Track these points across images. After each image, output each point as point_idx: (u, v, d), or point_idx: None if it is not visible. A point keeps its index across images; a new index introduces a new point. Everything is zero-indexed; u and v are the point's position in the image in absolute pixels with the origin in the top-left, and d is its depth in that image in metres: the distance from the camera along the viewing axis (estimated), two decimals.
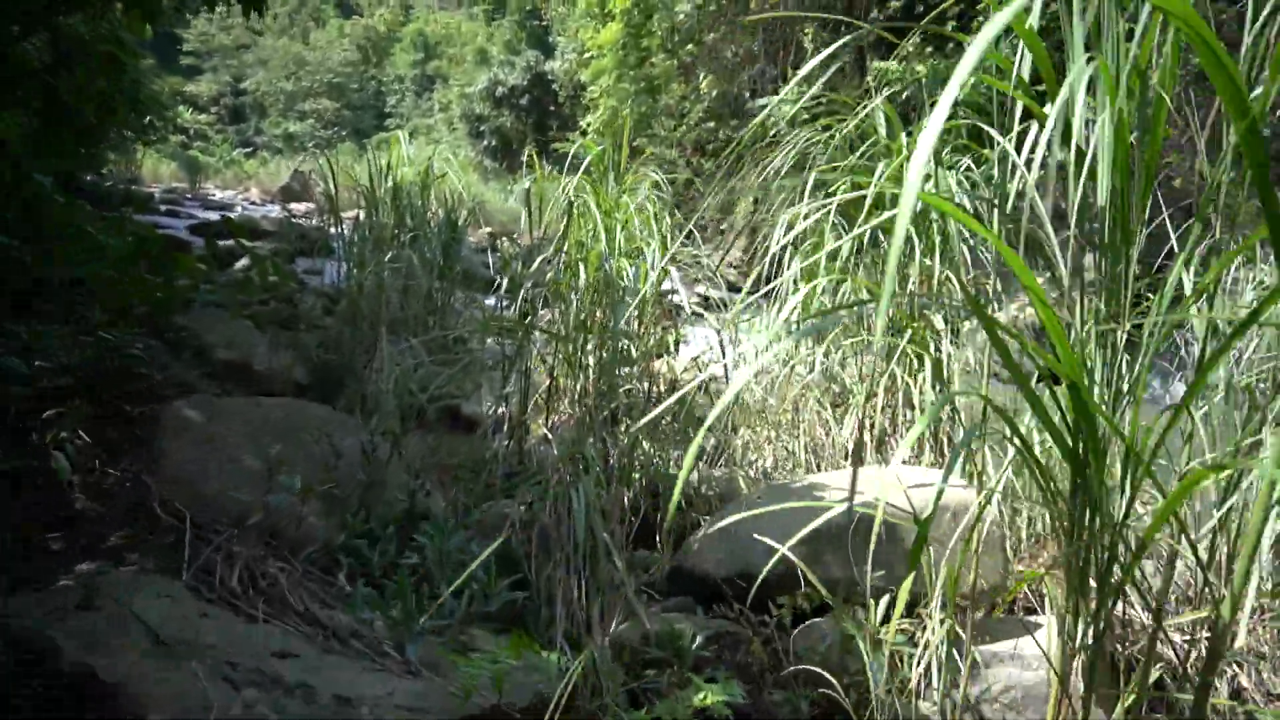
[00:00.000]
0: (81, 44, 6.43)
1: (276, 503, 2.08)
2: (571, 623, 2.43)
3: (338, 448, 2.41)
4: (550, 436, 3.22)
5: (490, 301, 6.49)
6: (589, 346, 2.98)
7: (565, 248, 2.84)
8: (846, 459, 3.40)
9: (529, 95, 25.81)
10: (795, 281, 3.63)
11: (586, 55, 21.01)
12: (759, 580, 2.28)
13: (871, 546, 2.00)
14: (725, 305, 3.52)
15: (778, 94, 15.87)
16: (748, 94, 18.06)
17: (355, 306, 4.00)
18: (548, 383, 3.42)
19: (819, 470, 3.45)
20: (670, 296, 3.24)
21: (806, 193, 3.41)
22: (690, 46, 19.08)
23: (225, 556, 1.83)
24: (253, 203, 24.27)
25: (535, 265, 2.78)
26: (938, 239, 3.16)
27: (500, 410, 3.92)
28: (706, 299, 3.65)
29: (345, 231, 4.72)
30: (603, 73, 19.47)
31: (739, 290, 3.46)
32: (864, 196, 3.39)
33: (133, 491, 2.04)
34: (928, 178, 3.20)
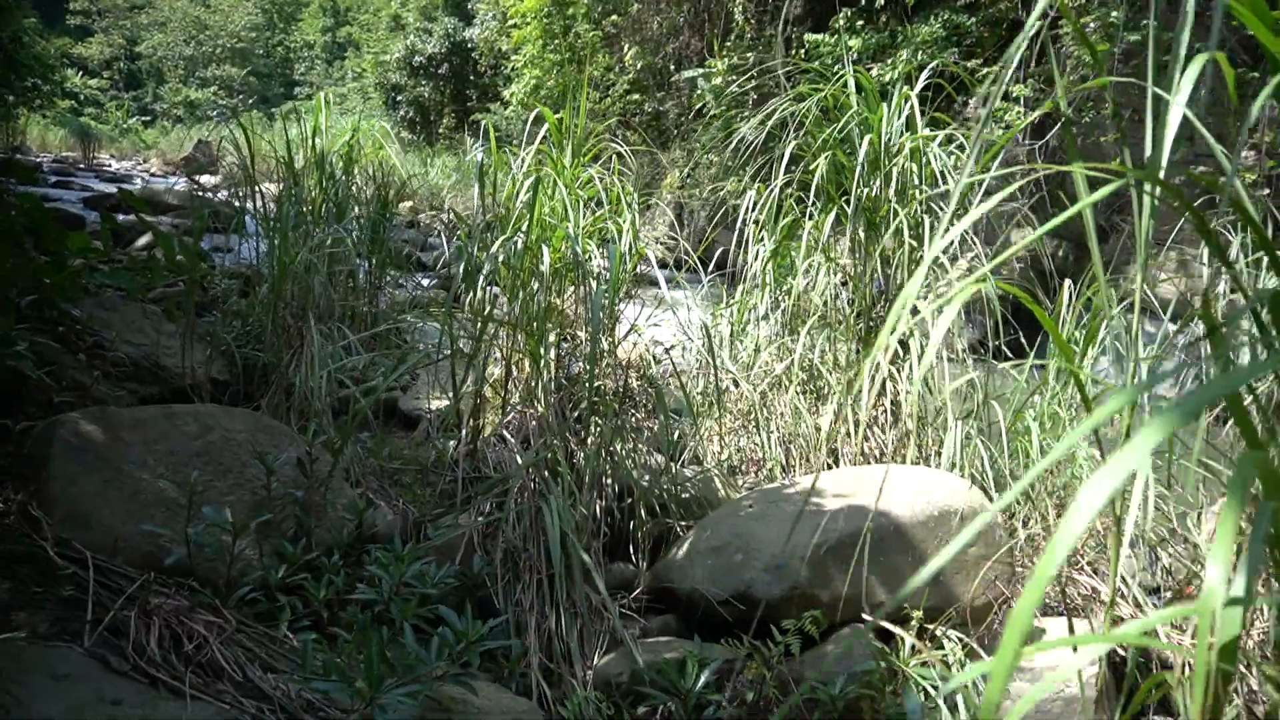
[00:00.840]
0: None
1: (199, 538, 1.73)
2: (548, 655, 2.16)
3: (269, 464, 2.06)
4: (507, 436, 2.91)
5: (424, 281, 6.09)
6: (550, 337, 2.68)
7: (525, 227, 2.52)
8: (819, 451, 3.19)
9: (448, 64, 24.92)
10: (764, 262, 3.39)
11: (509, 24, 20.35)
12: (761, 604, 2.04)
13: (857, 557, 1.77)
14: (656, 284, 3.25)
15: (703, 67, 15.63)
16: (673, 66, 17.75)
17: (278, 291, 3.59)
18: (501, 375, 3.11)
19: (789, 464, 3.23)
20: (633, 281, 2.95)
21: (781, 169, 3.16)
22: (615, 17, 18.64)
23: (140, 612, 1.48)
24: (154, 175, 22.83)
25: (495, 247, 2.46)
26: (924, 216, 2.95)
27: (441, 405, 3.58)
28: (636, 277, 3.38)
29: (262, 207, 4.27)
30: (526, 41, 18.89)
31: (664, 267, 3.21)
32: (841, 171, 3.16)
33: (18, 529, 1.67)
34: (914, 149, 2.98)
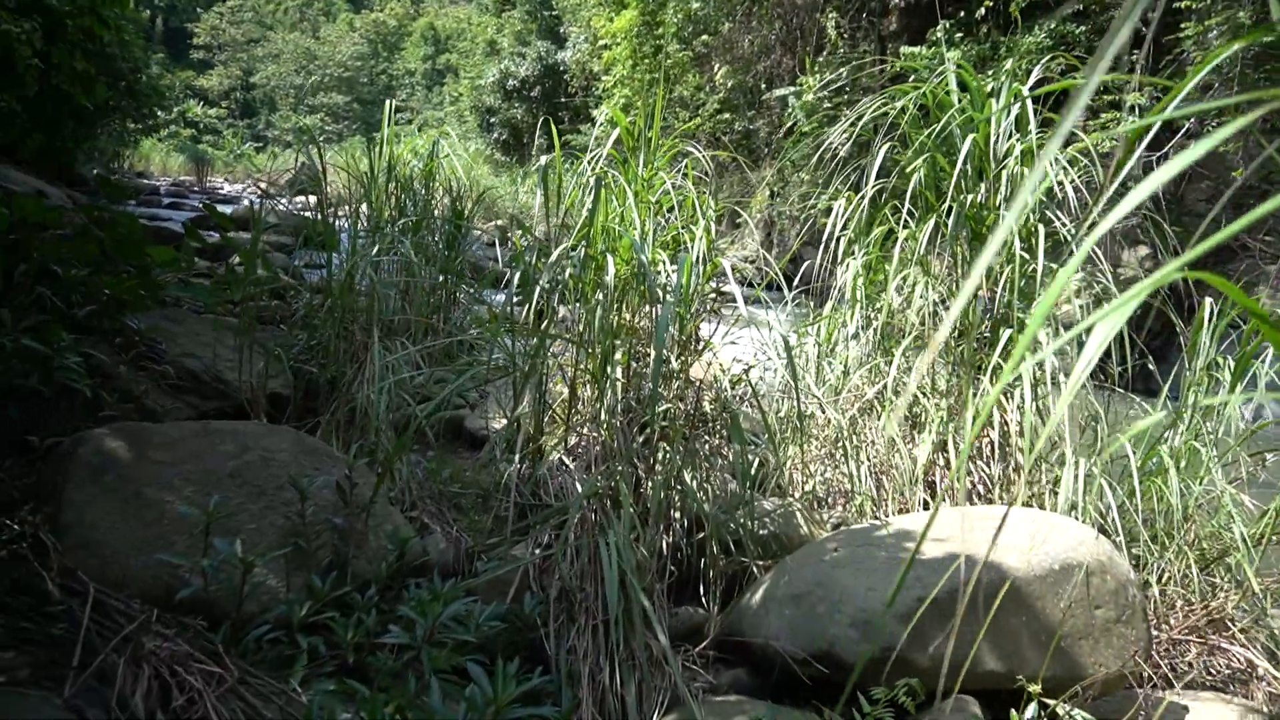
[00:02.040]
0: (59, 19, 5.94)
1: (213, 570, 1.57)
2: (600, 710, 1.92)
3: (303, 488, 1.89)
4: (569, 461, 2.70)
5: (499, 298, 5.99)
6: (617, 355, 2.45)
7: (589, 235, 2.31)
8: (915, 485, 2.87)
9: (540, 87, 25.28)
10: (856, 277, 3.10)
11: (600, 44, 20.50)
12: (850, 668, 1.76)
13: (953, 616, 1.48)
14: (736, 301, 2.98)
15: (795, 85, 15.32)
16: (764, 85, 17.50)
17: (345, 305, 3.49)
18: (566, 395, 2.91)
19: (880, 498, 2.92)
20: (713, 295, 2.71)
21: (874, 174, 2.88)
22: (705, 37, 18.52)
23: (130, 659, 1.32)
24: (261, 196, 23.71)
25: (554, 256, 2.26)
26: (1040, 226, 2.62)
27: (507, 424, 3.40)
28: (719, 294, 3.12)
29: (350, 224, 4.22)
30: (616, 62, 18.96)
31: (749, 284, 2.94)
32: (942, 177, 2.86)
33: (27, 555, 1.54)
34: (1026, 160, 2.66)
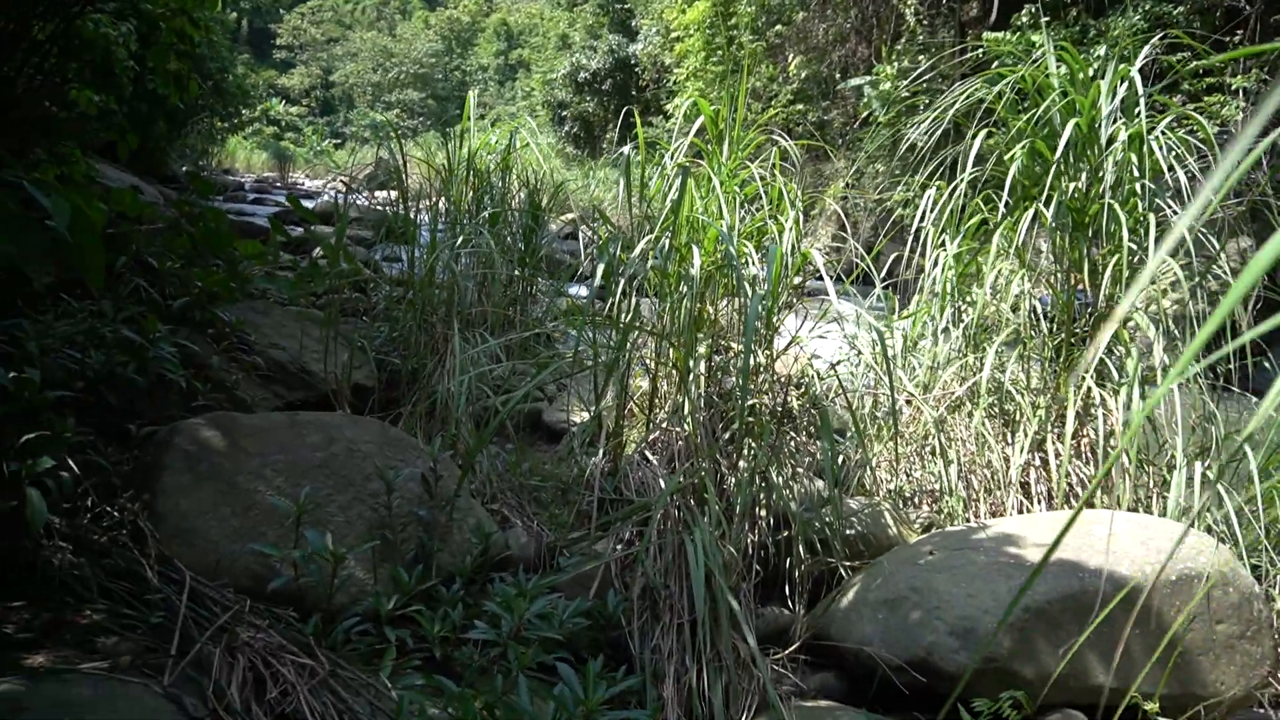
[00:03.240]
0: (154, 22, 6.14)
1: (304, 561, 1.57)
2: (687, 712, 1.87)
3: (389, 480, 1.89)
4: (650, 456, 2.66)
5: (577, 291, 6.00)
6: (701, 349, 2.40)
7: (673, 226, 2.26)
8: (1010, 487, 2.75)
9: (611, 80, 25.29)
10: (946, 270, 2.99)
11: (672, 36, 20.40)
12: (949, 677, 1.68)
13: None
14: (819, 295, 2.88)
15: (870, 74, 14.99)
16: (838, 75, 17.17)
17: (425, 298, 3.51)
18: (648, 389, 2.87)
19: (971, 499, 2.81)
20: (797, 288, 2.63)
21: (969, 162, 2.76)
22: (779, 27, 18.25)
23: (225, 649, 1.33)
24: (340, 191, 24.33)
25: (639, 249, 2.22)
26: (1150, 215, 2.47)
27: (588, 418, 3.38)
28: (801, 287, 3.03)
29: (428, 218, 4.27)
30: (689, 54, 18.84)
31: (826, 279, 2.85)
32: (1042, 164, 2.73)
33: (125, 542, 1.57)
34: (1134, 139, 2.52)
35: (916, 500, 2.98)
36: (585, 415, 3.42)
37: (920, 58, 13.95)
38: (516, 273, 4.40)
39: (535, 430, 3.68)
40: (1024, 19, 11.78)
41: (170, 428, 1.88)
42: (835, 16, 17.76)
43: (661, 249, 2.33)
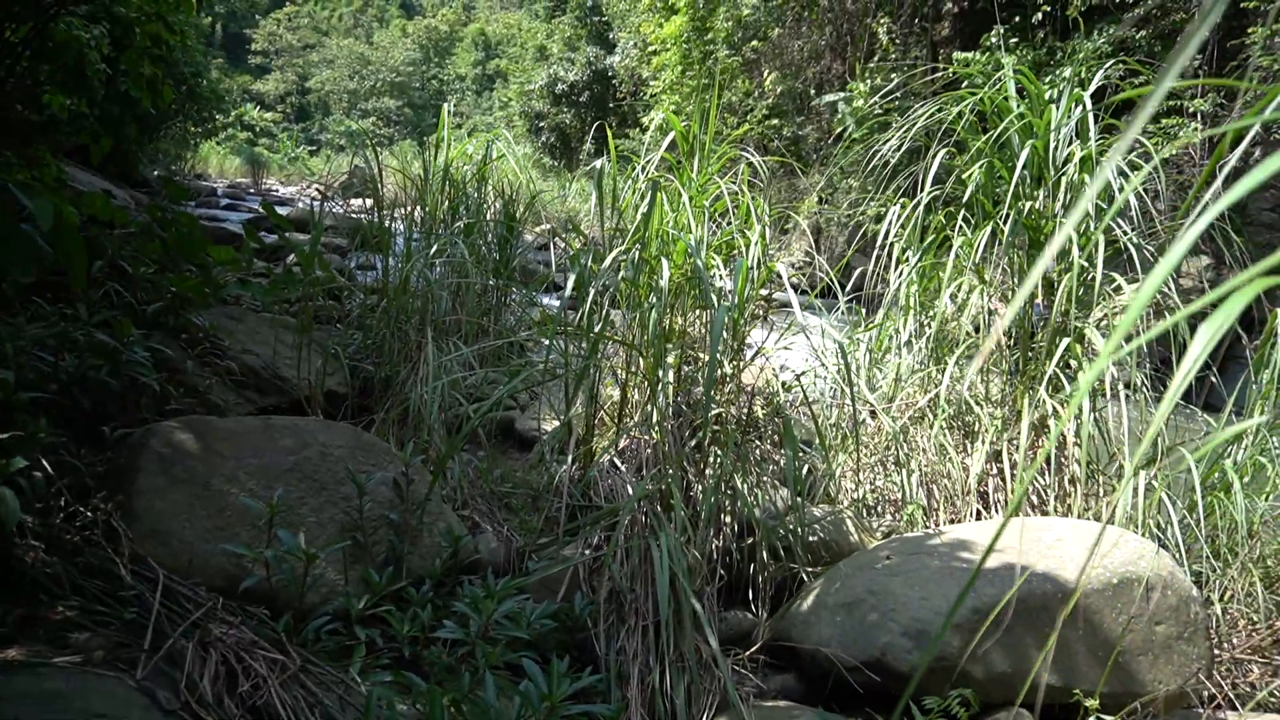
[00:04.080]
0: (128, 26, 6.13)
1: (276, 561, 1.61)
2: (650, 712, 1.93)
3: (361, 484, 1.93)
4: (619, 463, 2.72)
5: (550, 301, 6.05)
6: (669, 359, 2.46)
7: (644, 239, 2.33)
8: (968, 496, 2.83)
9: (589, 92, 25.42)
10: (909, 284, 3.07)
11: (649, 50, 20.56)
12: (901, 676, 1.75)
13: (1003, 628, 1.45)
14: (788, 307, 2.96)
15: (844, 91, 15.21)
16: (813, 91, 17.40)
17: (399, 305, 3.55)
18: (617, 397, 2.93)
19: (931, 508, 2.89)
20: (764, 301, 2.70)
21: (929, 180, 2.85)
22: (755, 43, 18.47)
23: (198, 644, 1.36)
24: (314, 198, 24.19)
25: (609, 260, 2.28)
26: (1099, 235, 2.57)
27: (558, 426, 3.43)
28: (769, 300, 3.11)
29: (400, 225, 4.31)
30: (665, 67, 19.01)
31: (800, 291, 2.92)
32: (999, 183, 2.83)
33: (99, 541, 1.60)
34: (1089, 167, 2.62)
35: (879, 509, 3.06)
36: (557, 424, 3.47)
37: (893, 75, 14.18)
38: (490, 282, 4.45)
39: (507, 438, 3.72)
40: (993, 39, 12.03)
41: (145, 430, 1.90)
42: (810, 34, 18.02)
43: (632, 261, 2.39)
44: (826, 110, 16.35)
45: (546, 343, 4.10)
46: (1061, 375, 2.65)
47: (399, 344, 3.52)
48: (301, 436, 2.09)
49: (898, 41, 15.18)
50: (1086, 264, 2.64)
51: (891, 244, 3.21)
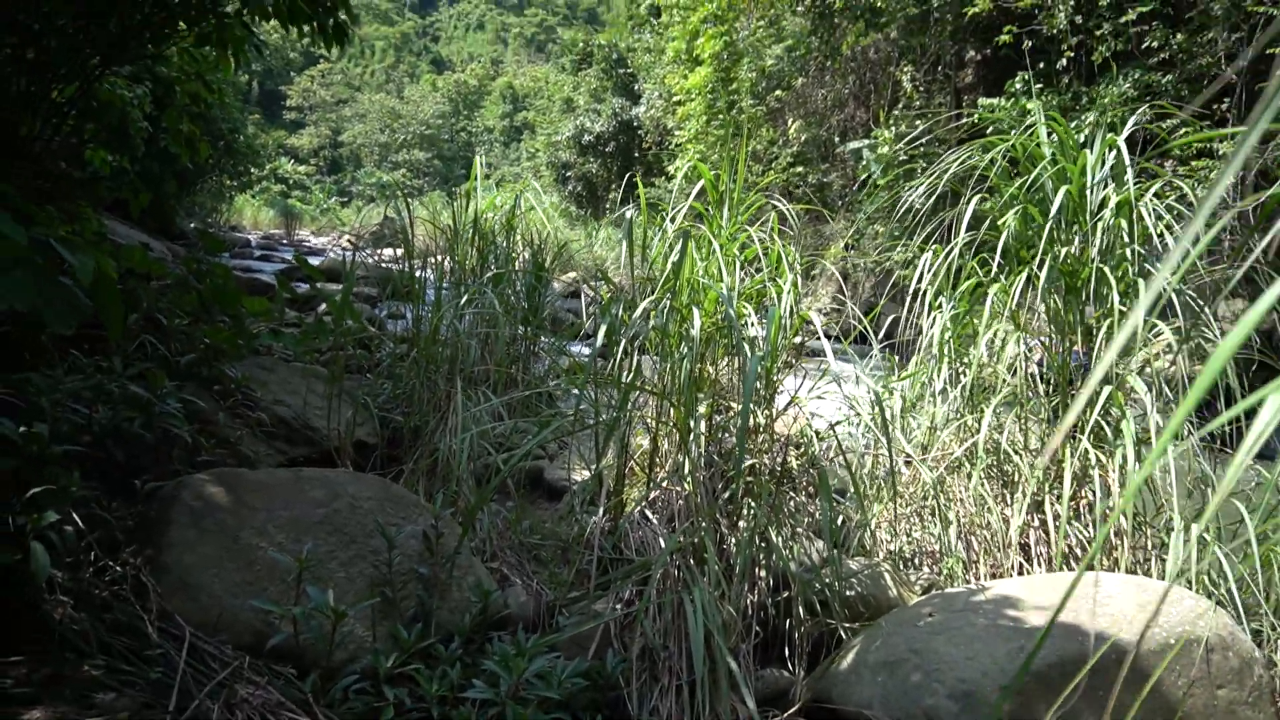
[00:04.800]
0: (169, 85, 6.32)
1: (303, 619, 1.58)
2: None
3: (390, 537, 1.91)
4: (650, 515, 2.68)
5: (580, 349, 6.06)
6: (701, 409, 2.43)
7: (674, 288, 2.31)
8: (1009, 549, 2.75)
9: (615, 142, 25.78)
10: (944, 331, 3.03)
11: (674, 100, 20.87)
12: None
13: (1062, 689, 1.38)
14: (819, 355, 2.93)
15: (869, 138, 15.32)
16: (837, 138, 17.53)
17: (429, 355, 3.56)
18: (648, 446, 2.89)
19: (971, 560, 2.81)
20: (793, 349, 2.67)
21: (963, 226, 2.82)
22: (779, 92, 18.69)
23: (224, 705, 1.33)
24: (345, 249, 24.65)
25: (640, 309, 2.26)
26: (1139, 280, 2.52)
27: (590, 477, 3.39)
28: (799, 348, 3.07)
29: (430, 275, 4.35)
30: (690, 117, 19.26)
31: (833, 339, 2.89)
32: (1033, 229, 2.79)
33: (127, 597, 1.58)
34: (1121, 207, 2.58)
35: (916, 561, 2.98)
36: (586, 474, 3.44)
37: (918, 122, 14.26)
38: (520, 330, 4.46)
39: (536, 488, 3.69)
40: (1017, 85, 12.07)
41: (176, 483, 1.90)
42: (834, 83, 18.20)
43: (663, 309, 2.38)
44: (851, 158, 16.44)
45: (576, 392, 4.09)
46: (1104, 424, 2.58)
47: (428, 394, 3.52)
48: (332, 488, 2.07)
49: (921, 89, 15.28)
50: (1125, 310, 2.59)
51: (923, 290, 3.18)
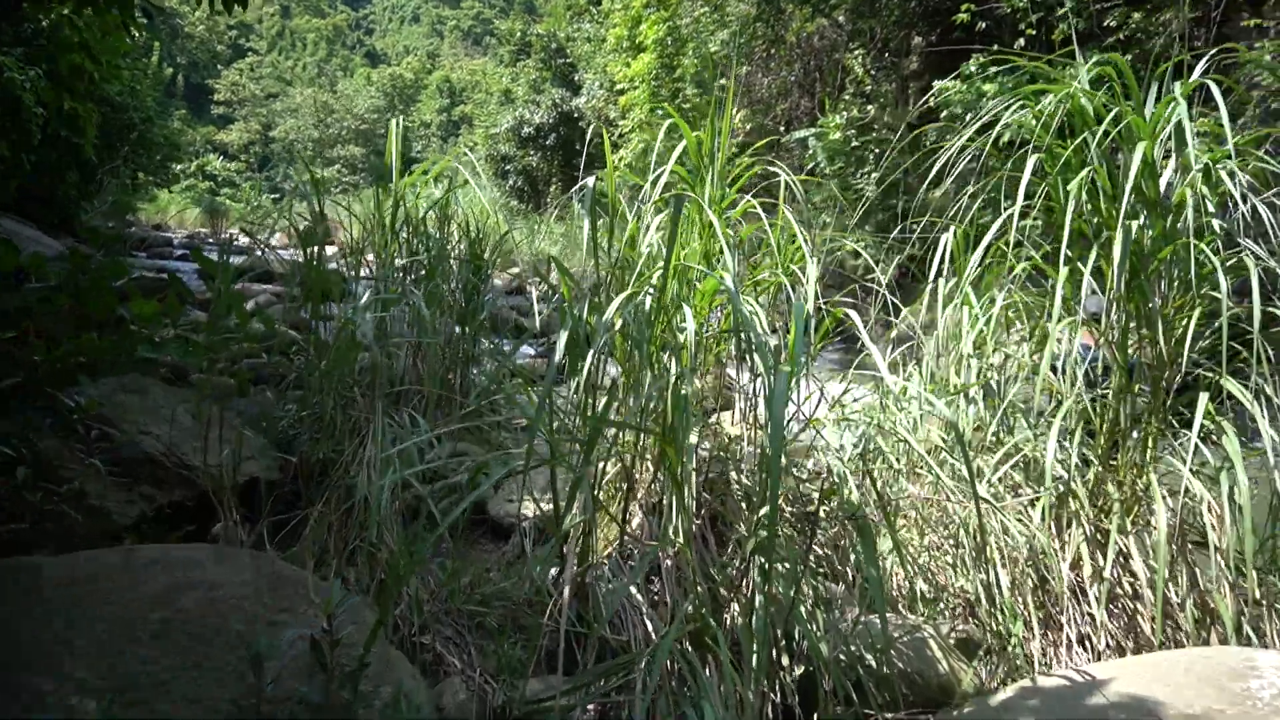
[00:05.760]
0: (45, 57, 5.51)
1: None
2: None
3: (260, 652, 1.28)
4: (624, 564, 2.09)
5: (530, 352, 5.42)
6: (692, 437, 1.84)
7: (659, 277, 1.72)
8: (1070, 597, 2.22)
9: (555, 134, 25.06)
10: (975, 329, 2.49)
11: (616, 89, 20.27)
12: None
13: None
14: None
15: (814, 126, 14.92)
16: (782, 128, 17.13)
17: (343, 365, 2.90)
18: (614, 474, 2.30)
19: (1022, 607, 2.27)
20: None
21: (1019, 196, 2.28)
22: (722, 80, 18.19)
23: None
24: (277, 247, 23.44)
25: (613, 308, 1.66)
26: (1216, 259, 2.01)
27: (542, 508, 2.78)
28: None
29: (353, 271, 3.69)
30: (634, 105, 18.67)
31: (871, 346, 2.32)
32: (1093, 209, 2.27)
33: None
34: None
35: (950, 607, 2.44)
36: (537, 509, 2.81)
37: (869, 108, 13.88)
38: (456, 331, 3.83)
39: (477, 526, 3.06)
40: (972, 68, 11.73)
41: None
42: (779, 70, 17.80)
43: (638, 308, 1.78)
44: (797, 147, 16.02)
45: (520, 400, 3.45)
46: (1202, 446, 2.06)
47: (341, 415, 2.88)
48: (177, 575, 1.43)
49: (872, 73, 14.92)
50: (1215, 295, 2.07)
51: (938, 277, 2.64)
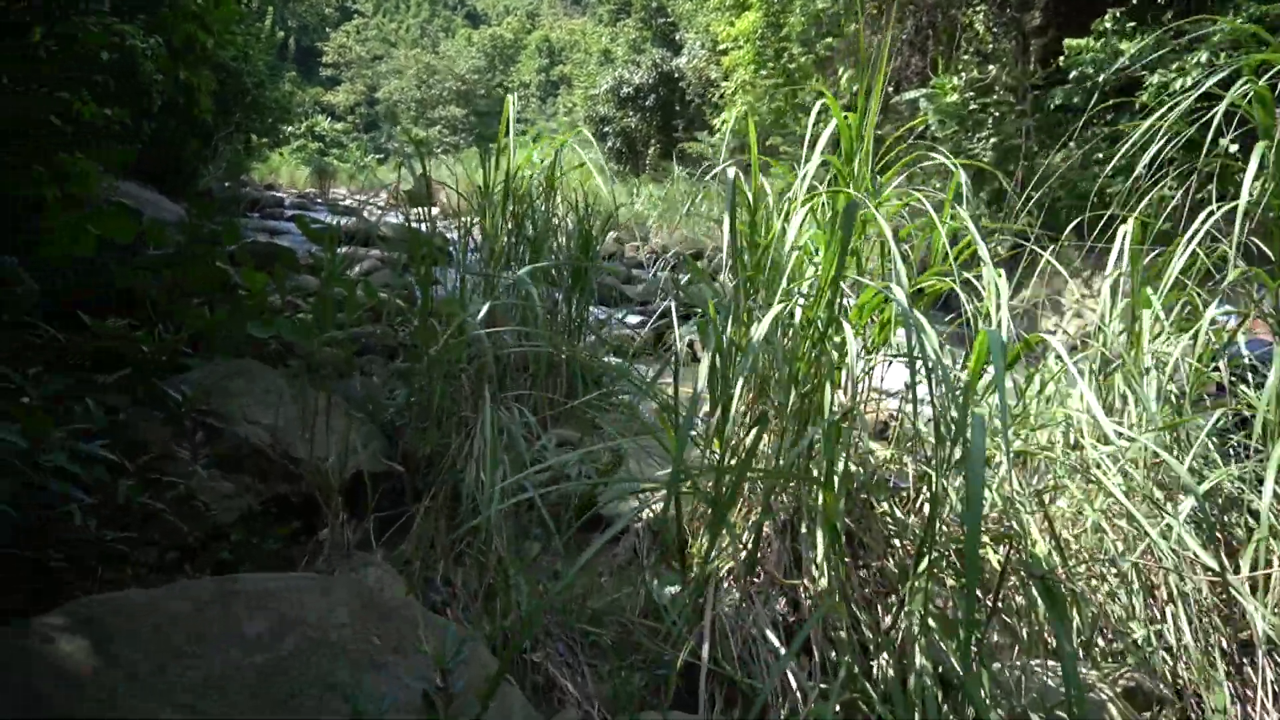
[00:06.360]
0: (162, 28, 5.55)
1: None
2: None
3: (360, 710, 1.14)
4: (754, 599, 1.89)
5: (633, 320, 5.24)
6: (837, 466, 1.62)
7: (818, 286, 1.50)
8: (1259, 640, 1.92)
9: (655, 95, 24.67)
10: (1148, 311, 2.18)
11: (720, 48, 19.71)
12: None
13: None
14: None
15: (926, 87, 14.13)
16: (891, 89, 16.34)
17: (451, 350, 2.77)
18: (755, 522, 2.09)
19: (1209, 659, 1.98)
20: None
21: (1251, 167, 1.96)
22: (830, 40, 17.43)
23: None
24: (380, 207, 23.85)
25: (765, 323, 1.44)
26: None
27: (650, 513, 2.60)
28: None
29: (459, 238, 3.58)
30: (738, 66, 18.10)
31: (1074, 372, 2.02)
32: None
33: None
34: None
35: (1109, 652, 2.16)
36: (650, 511, 2.64)
37: (990, 68, 13.06)
38: (566, 311, 3.71)
39: (589, 523, 2.90)
40: (1107, 24, 10.85)
41: (8, 632, 1.14)
42: (890, 29, 16.98)
43: (783, 322, 1.56)
44: (906, 108, 15.25)
45: (630, 371, 3.25)
46: None
47: (449, 402, 2.75)
48: (280, 612, 1.30)
49: (993, 30, 14.03)
50: None
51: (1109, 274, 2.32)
